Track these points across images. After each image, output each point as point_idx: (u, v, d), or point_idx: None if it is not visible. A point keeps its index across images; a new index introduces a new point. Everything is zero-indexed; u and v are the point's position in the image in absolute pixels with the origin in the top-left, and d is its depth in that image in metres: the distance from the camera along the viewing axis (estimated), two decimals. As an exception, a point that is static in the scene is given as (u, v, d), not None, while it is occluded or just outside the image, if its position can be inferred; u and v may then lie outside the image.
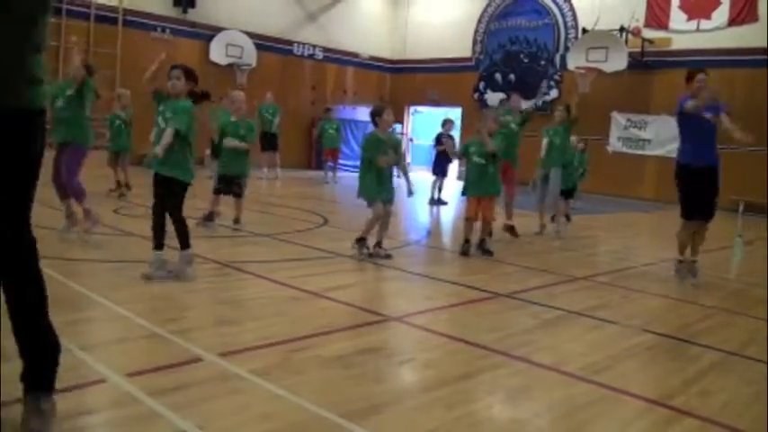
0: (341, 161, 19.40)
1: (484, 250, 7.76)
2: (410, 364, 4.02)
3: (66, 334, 3.88)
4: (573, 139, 10.83)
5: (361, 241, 7.10)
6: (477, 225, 7.88)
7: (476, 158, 7.84)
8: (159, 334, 4.08)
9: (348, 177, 19.09)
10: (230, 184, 8.53)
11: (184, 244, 5.63)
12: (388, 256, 7.11)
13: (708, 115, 6.43)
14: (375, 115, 7.17)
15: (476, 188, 7.86)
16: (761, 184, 15.25)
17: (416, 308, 5.28)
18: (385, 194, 7.11)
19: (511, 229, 9.28)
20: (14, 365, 2.75)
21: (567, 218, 10.91)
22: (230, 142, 8.45)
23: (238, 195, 8.64)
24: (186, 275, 5.57)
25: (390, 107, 7.35)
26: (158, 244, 5.58)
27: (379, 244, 7.18)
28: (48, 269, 5.36)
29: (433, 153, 14.17)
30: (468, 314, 5.28)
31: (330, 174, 17.82)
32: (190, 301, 5.14)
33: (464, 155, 8.08)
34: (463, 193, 8.06)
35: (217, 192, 8.52)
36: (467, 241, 7.76)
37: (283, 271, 6.20)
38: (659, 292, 6.52)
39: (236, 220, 8.63)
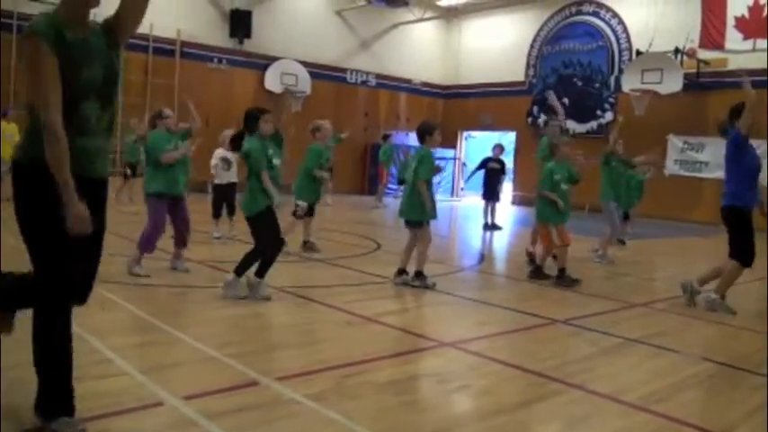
0: (390, 186, 19.68)
1: (571, 279, 7.43)
2: (465, 391, 3.98)
3: (127, 357, 3.98)
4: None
5: (420, 275, 6.85)
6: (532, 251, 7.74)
7: (563, 185, 7.57)
8: (216, 358, 4.14)
9: (396, 202, 19.26)
10: (313, 207, 8.85)
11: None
12: (430, 286, 6.85)
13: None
14: (427, 133, 6.92)
15: (565, 215, 7.60)
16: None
17: (471, 334, 5.24)
18: (433, 213, 6.91)
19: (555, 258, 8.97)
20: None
21: (623, 242, 10.76)
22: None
23: (312, 215, 8.96)
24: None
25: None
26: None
27: (405, 271, 6.95)
28: (110, 294, 5.54)
29: (482, 178, 13.99)
30: (525, 340, 5.21)
31: (377, 196, 18.38)
32: (246, 326, 5.21)
33: (553, 185, 7.58)
34: (547, 220, 7.65)
35: (301, 217, 8.73)
36: (564, 270, 7.47)
37: (338, 296, 6.24)
38: (718, 319, 6.31)
39: (310, 243, 8.90)
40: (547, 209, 7.66)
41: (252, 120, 5.97)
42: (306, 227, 8.90)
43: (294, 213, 8.41)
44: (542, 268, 7.77)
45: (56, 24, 2.74)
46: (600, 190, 9.53)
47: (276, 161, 6.05)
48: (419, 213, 6.88)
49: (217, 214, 9.68)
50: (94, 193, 2.95)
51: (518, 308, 6.23)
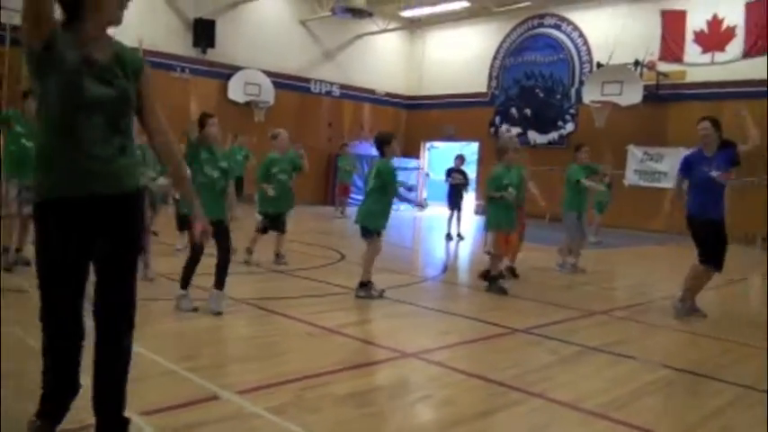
0: (353, 195, 19.65)
1: (502, 288, 7.55)
2: (426, 401, 3.99)
3: (84, 372, 3.90)
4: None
5: (366, 285, 6.87)
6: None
7: (510, 190, 7.53)
8: (175, 371, 4.08)
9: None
10: (277, 221, 8.74)
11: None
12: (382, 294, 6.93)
13: (715, 175, 6.48)
14: (385, 143, 6.93)
15: (509, 222, 7.64)
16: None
17: (433, 344, 5.25)
18: (385, 224, 7.00)
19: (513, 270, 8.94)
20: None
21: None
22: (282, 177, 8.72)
23: (283, 231, 8.85)
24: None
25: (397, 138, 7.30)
26: None
27: (369, 283, 6.94)
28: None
29: (447, 187, 14.23)
30: (486, 350, 5.24)
31: (340, 208, 18.35)
32: (206, 339, 5.15)
33: (500, 188, 7.52)
34: (491, 228, 7.77)
35: (264, 230, 8.70)
36: (502, 276, 7.62)
37: (299, 307, 6.21)
38: (677, 326, 6.43)
39: (280, 255, 8.80)
40: (494, 216, 7.67)
41: (199, 125, 5.98)
42: (277, 240, 8.86)
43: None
44: (502, 276, 7.78)
45: (61, 38, 2.60)
46: (563, 199, 9.59)
47: (210, 171, 5.90)
48: (372, 221, 6.91)
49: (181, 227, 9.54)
50: (100, 213, 2.78)
51: (479, 317, 6.27)
